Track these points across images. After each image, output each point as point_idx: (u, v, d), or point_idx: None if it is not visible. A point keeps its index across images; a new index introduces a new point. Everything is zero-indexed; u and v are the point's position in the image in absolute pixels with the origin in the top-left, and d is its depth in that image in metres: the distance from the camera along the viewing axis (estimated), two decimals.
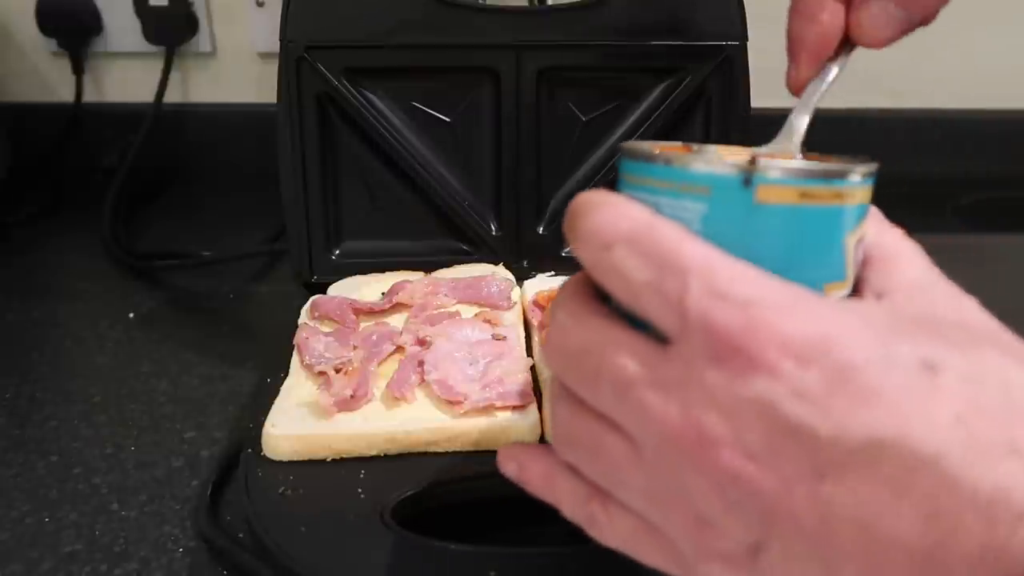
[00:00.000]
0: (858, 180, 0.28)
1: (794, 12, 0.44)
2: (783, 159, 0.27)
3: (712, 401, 0.26)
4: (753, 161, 0.27)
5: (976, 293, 0.30)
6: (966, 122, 0.97)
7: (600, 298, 0.30)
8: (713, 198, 0.28)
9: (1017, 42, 0.96)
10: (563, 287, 0.31)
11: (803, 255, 0.28)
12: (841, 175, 0.28)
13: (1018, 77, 0.96)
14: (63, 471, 0.53)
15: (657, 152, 0.29)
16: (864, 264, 0.30)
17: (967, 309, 0.29)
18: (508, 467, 0.35)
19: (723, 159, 0.29)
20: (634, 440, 0.28)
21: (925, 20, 0.44)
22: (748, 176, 0.27)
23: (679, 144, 0.34)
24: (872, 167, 0.29)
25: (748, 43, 0.64)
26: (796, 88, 0.44)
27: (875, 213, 0.31)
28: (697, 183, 0.28)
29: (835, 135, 0.95)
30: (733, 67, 0.64)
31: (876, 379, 0.25)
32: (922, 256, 0.31)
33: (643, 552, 0.31)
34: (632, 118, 0.66)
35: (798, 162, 0.28)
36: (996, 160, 0.97)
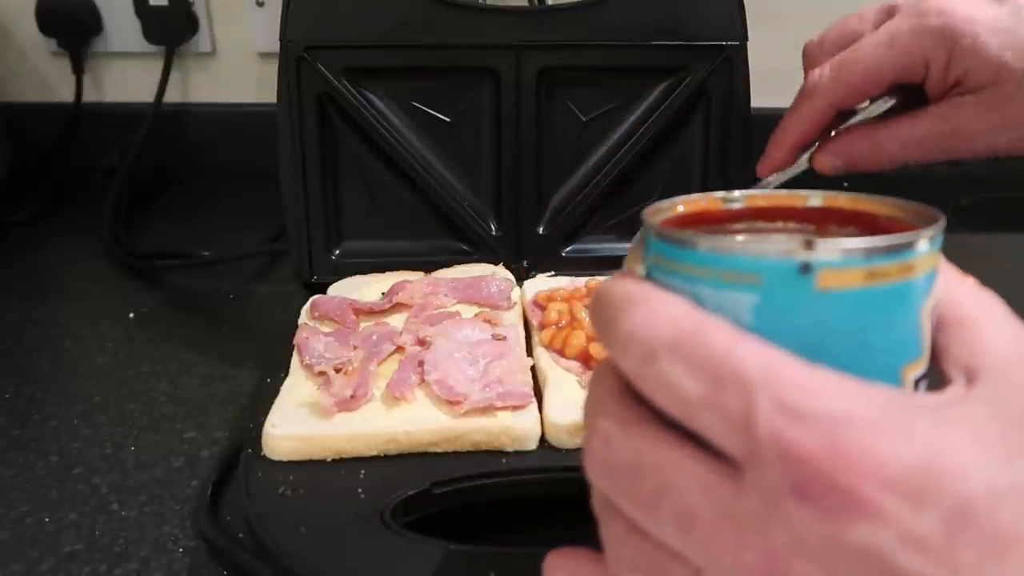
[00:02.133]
0: (927, 247, 0.25)
1: (792, 112, 0.54)
2: (842, 237, 0.24)
3: (802, 546, 0.22)
4: (810, 243, 0.23)
5: None
6: None
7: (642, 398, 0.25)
8: (765, 288, 0.24)
9: None
10: (596, 382, 0.27)
11: (876, 340, 0.24)
12: (909, 245, 0.24)
13: None
14: (63, 471, 0.53)
15: (696, 236, 0.25)
16: (938, 328, 0.26)
17: None
18: None
19: (772, 240, 0.24)
20: (705, 574, 0.24)
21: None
22: (806, 262, 0.23)
23: (704, 198, 0.30)
24: (940, 224, 0.25)
25: (748, 43, 0.64)
26: (762, 172, 0.56)
27: (940, 261, 0.27)
28: (746, 271, 0.24)
29: None
30: (733, 67, 0.64)
31: (1007, 519, 0.21)
32: (1006, 313, 0.27)
33: None
34: (632, 118, 0.67)
35: (861, 240, 0.24)
36: (996, 160, 0.97)
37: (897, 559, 0.21)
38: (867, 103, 0.53)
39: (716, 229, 0.29)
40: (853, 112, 0.54)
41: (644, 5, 0.63)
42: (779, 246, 0.24)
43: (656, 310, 0.24)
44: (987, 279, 0.27)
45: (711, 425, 0.23)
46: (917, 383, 0.26)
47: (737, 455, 0.23)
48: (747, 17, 0.64)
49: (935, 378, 0.26)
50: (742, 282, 0.24)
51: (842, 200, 0.29)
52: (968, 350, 0.25)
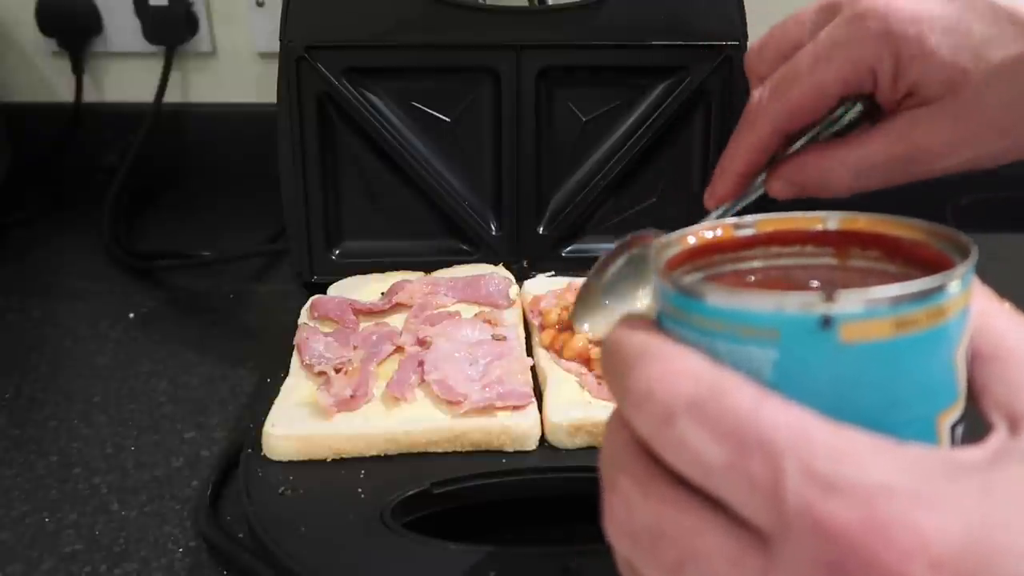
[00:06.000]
0: (959, 288, 0.23)
1: (735, 139, 0.48)
2: (866, 287, 0.22)
3: None
4: (830, 294, 0.22)
5: None
6: None
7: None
8: (784, 343, 0.22)
9: None
10: (611, 434, 0.25)
11: (907, 391, 0.23)
12: (939, 289, 0.22)
13: None
14: (63, 471, 0.53)
15: (705, 287, 0.23)
16: (975, 361, 0.24)
17: None
18: None
19: (789, 292, 0.23)
20: None
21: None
22: (827, 315, 0.22)
23: (715, 227, 0.28)
24: (972, 258, 0.23)
25: (748, 43, 0.64)
26: (709, 204, 0.49)
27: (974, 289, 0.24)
28: (761, 326, 0.22)
29: None
30: (733, 67, 0.64)
31: None
32: None
33: None
34: (632, 118, 0.66)
35: (885, 288, 0.22)
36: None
37: None
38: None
39: (730, 259, 0.28)
40: (812, 127, 0.48)
41: (644, 5, 0.63)
42: (797, 299, 0.22)
43: (673, 366, 0.23)
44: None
45: (735, 493, 0.21)
46: (954, 429, 0.24)
47: (764, 526, 0.21)
48: (747, 17, 0.63)
49: (973, 418, 0.24)
50: (759, 337, 0.22)
51: (862, 222, 0.27)
52: (1010, 389, 0.23)
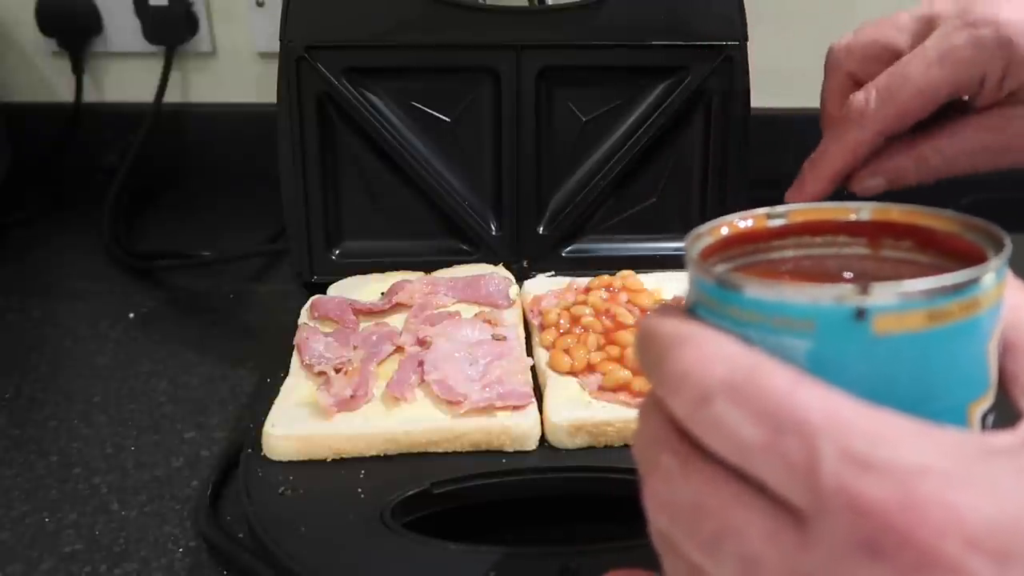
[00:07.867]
0: (993, 280, 0.23)
1: (835, 141, 0.52)
2: (899, 279, 0.23)
3: None
4: (864, 287, 0.22)
5: None
6: None
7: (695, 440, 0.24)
8: (818, 334, 0.23)
9: None
10: (647, 415, 0.26)
11: (939, 381, 0.23)
12: (974, 281, 0.23)
13: None
14: (63, 471, 0.53)
15: (740, 279, 0.24)
16: (1006, 352, 0.25)
17: None
18: None
19: (823, 284, 0.23)
20: None
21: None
22: (861, 307, 0.22)
23: (748, 217, 0.28)
24: (1006, 251, 0.24)
25: (748, 43, 0.64)
26: (794, 200, 0.53)
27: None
28: (796, 318, 0.23)
29: None
30: (733, 67, 0.64)
31: None
32: None
33: None
34: (632, 118, 0.66)
35: (919, 281, 0.22)
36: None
37: None
38: None
39: (762, 248, 0.28)
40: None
41: (644, 5, 0.63)
42: (831, 291, 0.22)
43: (709, 350, 0.23)
44: None
45: (772, 473, 0.22)
46: (984, 418, 0.24)
47: (800, 505, 0.21)
48: (747, 17, 0.63)
49: (1003, 408, 0.25)
50: (793, 328, 0.23)
51: (895, 213, 0.27)
52: None
